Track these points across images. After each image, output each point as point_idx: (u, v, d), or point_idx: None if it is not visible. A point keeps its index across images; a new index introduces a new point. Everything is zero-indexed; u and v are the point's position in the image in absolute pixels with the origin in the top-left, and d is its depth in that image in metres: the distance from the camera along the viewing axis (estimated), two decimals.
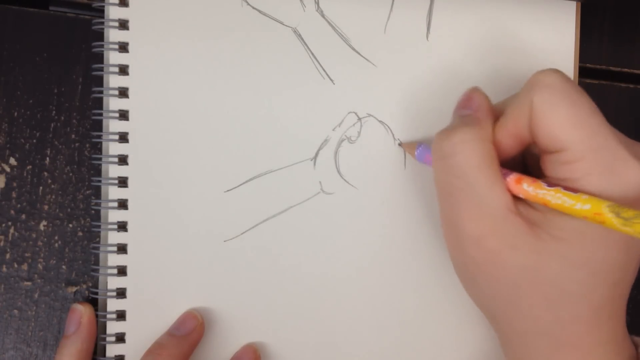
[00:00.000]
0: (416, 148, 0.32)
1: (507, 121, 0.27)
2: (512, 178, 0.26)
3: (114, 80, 0.32)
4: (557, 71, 0.27)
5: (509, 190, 0.26)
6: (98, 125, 0.33)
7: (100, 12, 0.33)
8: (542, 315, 0.26)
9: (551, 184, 0.26)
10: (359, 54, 0.34)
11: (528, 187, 0.26)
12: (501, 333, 0.29)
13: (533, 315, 0.26)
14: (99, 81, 0.33)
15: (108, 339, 0.32)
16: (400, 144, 0.34)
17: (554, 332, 0.26)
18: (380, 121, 0.35)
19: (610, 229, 0.23)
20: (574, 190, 0.25)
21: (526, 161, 0.30)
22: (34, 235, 0.33)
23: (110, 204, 0.32)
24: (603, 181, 0.25)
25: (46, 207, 0.34)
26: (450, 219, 0.28)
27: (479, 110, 0.28)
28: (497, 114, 0.28)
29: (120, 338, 0.32)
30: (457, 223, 0.27)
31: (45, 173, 0.34)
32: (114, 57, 0.32)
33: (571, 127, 0.25)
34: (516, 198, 0.27)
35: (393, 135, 0.35)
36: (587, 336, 0.26)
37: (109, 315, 0.32)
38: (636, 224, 0.22)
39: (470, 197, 0.26)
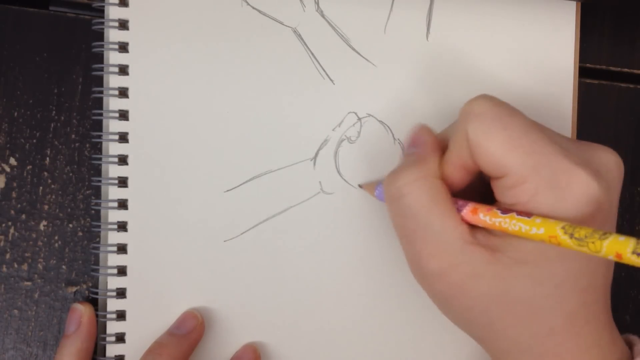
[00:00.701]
0: (375, 188, 0.32)
1: (451, 155, 0.28)
2: (468, 209, 0.27)
3: (114, 80, 0.32)
4: (486, 97, 0.27)
5: (467, 221, 0.27)
6: (98, 125, 0.33)
7: (100, 12, 0.33)
8: (518, 334, 0.26)
9: (505, 210, 0.25)
10: (359, 54, 0.34)
11: (484, 217, 0.26)
12: (488, 351, 0.29)
13: (510, 334, 0.27)
14: (99, 81, 0.33)
15: (108, 339, 0.32)
16: (360, 186, 0.34)
17: (533, 347, 0.26)
18: (380, 121, 0.35)
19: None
20: (528, 214, 0.25)
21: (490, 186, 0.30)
22: (34, 235, 0.33)
23: (110, 204, 0.32)
24: (551, 199, 0.25)
25: (46, 207, 0.34)
26: (412, 258, 0.28)
27: (424, 147, 0.29)
28: (443, 145, 0.29)
29: (120, 338, 0.32)
30: (419, 261, 0.27)
31: (45, 173, 0.34)
32: (114, 57, 0.32)
33: (507, 151, 0.25)
34: (474, 226, 0.27)
35: (393, 135, 0.35)
36: (567, 345, 0.26)
37: (109, 315, 0.32)
38: (590, 244, 0.22)
39: (425, 235, 0.27)
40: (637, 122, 0.38)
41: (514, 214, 0.25)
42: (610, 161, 0.27)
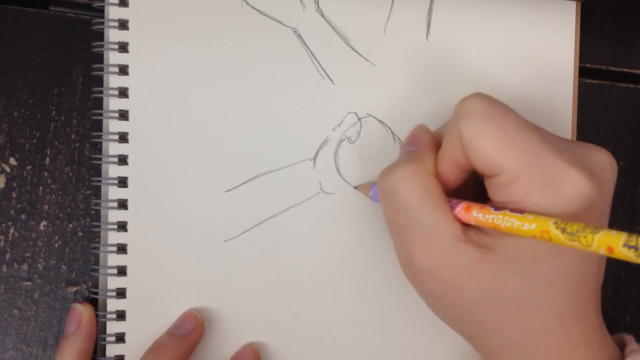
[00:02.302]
0: (371, 188, 0.32)
1: (444, 152, 0.28)
2: (462, 207, 0.27)
3: (114, 80, 0.32)
4: (479, 95, 0.27)
5: (460, 219, 0.27)
6: (98, 125, 0.33)
7: (100, 12, 0.33)
8: (509, 331, 0.26)
9: (498, 207, 0.26)
10: (359, 54, 0.34)
11: (477, 214, 0.26)
12: (478, 350, 0.29)
13: (500, 332, 0.27)
14: (99, 81, 0.33)
15: (108, 339, 0.32)
16: (355, 187, 0.34)
17: (523, 345, 0.26)
18: (380, 121, 0.35)
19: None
20: (520, 212, 0.25)
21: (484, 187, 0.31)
22: (34, 235, 0.33)
23: (110, 204, 0.32)
24: (544, 197, 0.25)
25: (46, 207, 0.34)
26: (403, 254, 0.28)
27: (421, 145, 0.29)
28: (439, 143, 0.29)
29: (120, 338, 0.32)
30: (410, 258, 0.27)
31: (45, 173, 0.34)
32: (114, 57, 0.32)
33: (500, 149, 0.25)
34: (467, 225, 0.27)
35: (393, 135, 0.35)
36: (557, 343, 0.26)
37: (109, 315, 0.32)
38: (582, 238, 0.22)
39: (418, 232, 0.27)
40: (637, 122, 0.38)
41: (507, 211, 0.25)
42: (603, 161, 0.27)
